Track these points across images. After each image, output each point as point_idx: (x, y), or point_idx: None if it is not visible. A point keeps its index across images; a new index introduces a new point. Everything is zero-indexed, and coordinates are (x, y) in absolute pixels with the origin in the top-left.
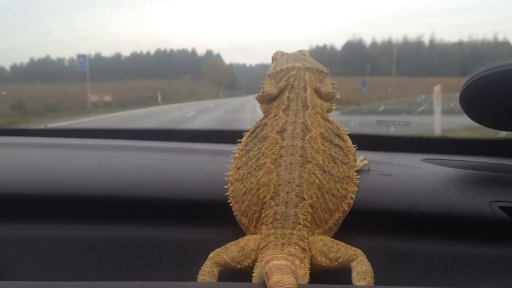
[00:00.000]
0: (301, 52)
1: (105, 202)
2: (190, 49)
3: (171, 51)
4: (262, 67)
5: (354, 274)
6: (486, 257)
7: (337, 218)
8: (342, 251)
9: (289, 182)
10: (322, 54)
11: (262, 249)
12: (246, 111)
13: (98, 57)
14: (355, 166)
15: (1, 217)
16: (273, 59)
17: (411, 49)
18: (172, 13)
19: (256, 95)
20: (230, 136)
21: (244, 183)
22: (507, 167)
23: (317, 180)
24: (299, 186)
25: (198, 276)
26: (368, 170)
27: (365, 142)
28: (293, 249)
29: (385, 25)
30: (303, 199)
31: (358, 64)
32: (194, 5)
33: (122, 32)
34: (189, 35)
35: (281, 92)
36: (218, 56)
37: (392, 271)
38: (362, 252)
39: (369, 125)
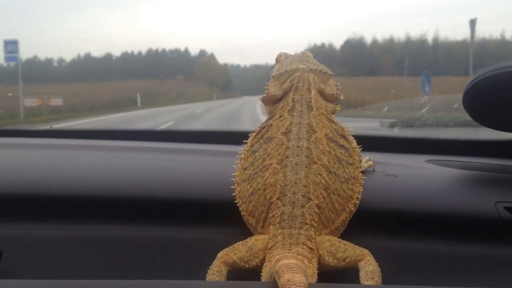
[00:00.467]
0: (304, 54)
1: (113, 202)
2: (182, 48)
3: (163, 50)
4: (257, 67)
5: (361, 274)
6: (492, 257)
7: (344, 218)
8: (349, 251)
9: (295, 183)
10: (320, 53)
11: (270, 249)
12: (244, 120)
13: (88, 57)
14: (360, 167)
15: (10, 217)
16: (277, 60)
17: (414, 47)
18: (165, 14)
19: (261, 96)
20: (236, 137)
21: (251, 183)
22: (511, 168)
23: (323, 181)
24: (305, 186)
25: (206, 275)
26: (373, 171)
27: (369, 143)
28: (300, 249)
29: (384, 25)
30: (310, 199)
31: (359, 63)
32: (187, 5)
33: (114, 33)
34: (182, 36)
35: (285, 93)
36: (212, 56)
37: (399, 271)
38: (369, 252)
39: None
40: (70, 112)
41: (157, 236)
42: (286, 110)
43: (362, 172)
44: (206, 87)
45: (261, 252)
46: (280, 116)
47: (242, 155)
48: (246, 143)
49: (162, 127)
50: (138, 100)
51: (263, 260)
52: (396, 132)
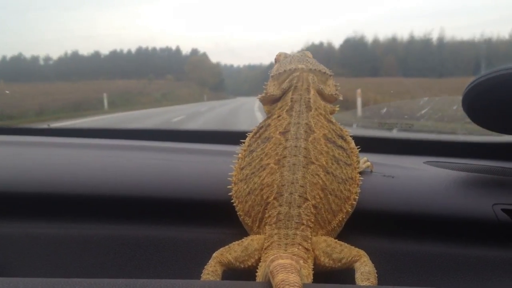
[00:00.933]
0: (304, 54)
1: (108, 201)
2: (174, 47)
3: (154, 49)
4: (250, 68)
5: (357, 275)
6: (489, 259)
7: (340, 219)
8: (345, 251)
9: (292, 183)
10: (318, 52)
11: (265, 249)
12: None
13: (75, 55)
14: (358, 168)
15: (5, 215)
16: (276, 60)
17: (418, 47)
18: (157, 14)
19: (259, 96)
20: (233, 137)
21: (248, 183)
22: (509, 170)
23: (320, 181)
24: (302, 187)
25: (201, 275)
26: (371, 171)
27: (368, 144)
28: (296, 249)
29: (383, 26)
30: (307, 199)
31: (360, 63)
32: (180, 5)
33: (105, 31)
34: (174, 36)
35: (284, 93)
36: (204, 55)
37: (395, 272)
38: (365, 253)
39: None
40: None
41: (152, 236)
42: (285, 110)
43: (360, 173)
44: (197, 87)
45: (256, 252)
46: (278, 116)
47: (240, 154)
48: (244, 142)
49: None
50: (105, 102)
51: (259, 260)
52: (395, 134)
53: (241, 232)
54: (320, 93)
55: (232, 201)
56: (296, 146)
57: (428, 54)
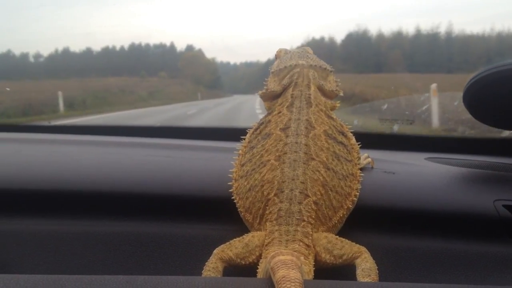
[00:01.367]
0: (304, 50)
1: (109, 198)
2: (168, 43)
3: (147, 45)
4: (247, 65)
5: (358, 271)
6: (490, 255)
7: (341, 215)
8: (346, 248)
9: (293, 179)
10: (319, 47)
11: (266, 245)
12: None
13: (66, 52)
14: (358, 164)
15: (6, 211)
16: (277, 56)
17: (426, 42)
18: (152, 11)
19: (260, 92)
20: (233, 133)
21: (248, 179)
22: (510, 166)
23: (321, 177)
24: (303, 183)
25: (202, 272)
26: (372, 168)
27: (369, 140)
28: (297, 245)
29: (387, 22)
30: (307, 196)
31: (363, 59)
32: (175, 2)
33: (99, 28)
34: (169, 34)
35: (284, 89)
36: (200, 51)
37: (396, 268)
38: (366, 249)
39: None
40: None
41: (153, 232)
42: (285, 106)
43: (361, 169)
44: (191, 84)
45: (257, 248)
46: (279, 112)
47: (240, 151)
48: (244, 139)
49: None
50: (60, 103)
51: (260, 256)
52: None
53: (242, 228)
54: (321, 89)
55: (232, 197)
56: (296, 142)
57: (436, 49)
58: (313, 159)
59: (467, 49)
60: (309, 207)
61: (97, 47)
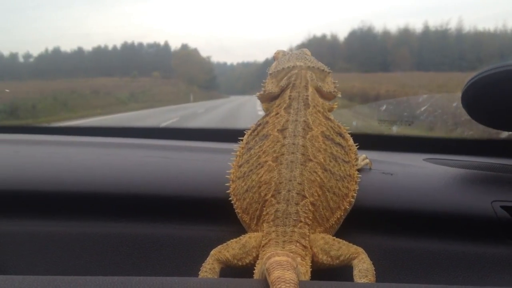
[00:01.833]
0: (302, 52)
1: (107, 199)
2: (162, 42)
3: (140, 44)
4: (244, 65)
5: (355, 272)
6: (488, 256)
7: (339, 216)
8: (343, 249)
9: (290, 180)
10: (321, 45)
11: (263, 246)
12: None
13: (57, 52)
14: (356, 165)
15: (4, 213)
16: (275, 58)
17: (434, 39)
18: (147, 11)
19: (258, 93)
20: (231, 135)
21: (246, 181)
22: (508, 167)
23: (318, 179)
24: (300, 184)
25: (199, 272)
26: (370, 169)
27: (366, 141)
28: (294, 246)
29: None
30: (304, 197)
31: (368, 58)
32: (170, 2)
33: (93, 29)
34: (164, 34)
35: (282, 90)
36: (195, 50)
37: (393, 269)
38: (363, 250)
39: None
40: None
41: (150, 233)
42: (283, 108)
43: (359, 170)
44: (185, 84)
45: (254, 249)
46: (277, 114)
47: (238, 152)
48: (242, 140)
49: None
50: None
51: (257, 257)
52: (395, 131)
53: (239, 229)
54: (319, 91)
55: (230, 198)
56: (294, 144)
57: (446, 47)
58: (310, 160)
59: (480, 46)
60: (306, 208)
61: (89, 47)
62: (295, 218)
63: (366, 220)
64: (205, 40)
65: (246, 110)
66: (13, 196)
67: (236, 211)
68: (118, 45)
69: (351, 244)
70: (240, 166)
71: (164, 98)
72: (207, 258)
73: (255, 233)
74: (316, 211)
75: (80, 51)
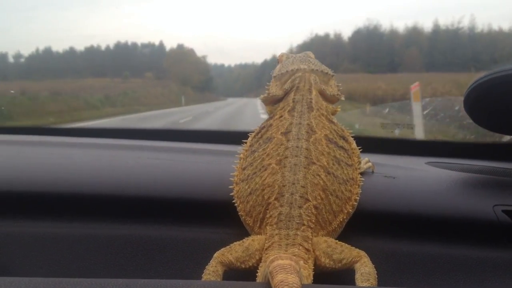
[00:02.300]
0: (306, 54)
1: (111, 201)
2: (157, 42)
3: (134, 44)
4: (242, 67)
5: (357, 276)
6: (489, 260)
7: (341, 219)
8: (346, 252)
9: (293, 183)
10: (324, 45)
11: (266, 249)
12: None
13: (48, 51)
14: (359, 168)
15: (7, 214)
16: (278, 61)
17: (446, 37)
18: (143, 12)
19: (261, 96)
20: (235, 137)
21: (249, 183)
22: (511, 171)
23: (321, 182)
24: (303, 187)
25: (202, 275)
26: (372, 172)
27: (369, 144)
28: (297, 250)
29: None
30: (308, 200)
31: (374, 58)
32: (167, 3)
33: (92, 32)
34: (160, 35)
35: (286, 93)
36: (191, 50)
37: (396, 273)
38: (365, 254)
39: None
40: None
41: (153, 235)
42: (287, 111)
43: (361, 173)
44: (177, 86)
45: (257, 252)
46: (280, 116)
47: (241, 155)
48: (246, 143)
49: None
50: None
51: (260, 260)
52: (397, 134)
53: (242, 232)
54: (322, 94)
55: (233, 201)
56: (297, 147)
57: (458, 46)
58: (313, 163)
59: (494, 47)
60: (309, 211)
61: (81, 46)
62: (298, 221)
63: (369, 224)
64: (202, 41)
65: (246, 118)
66: (15, 197)
67: (239, 213)
68: (111, 45)
69: (353, 248)
70: (243, 169)
71: (151, 102)
72: (211, 261)
73: (258, 236)
74: (319, 214)
75: (72, 51)
